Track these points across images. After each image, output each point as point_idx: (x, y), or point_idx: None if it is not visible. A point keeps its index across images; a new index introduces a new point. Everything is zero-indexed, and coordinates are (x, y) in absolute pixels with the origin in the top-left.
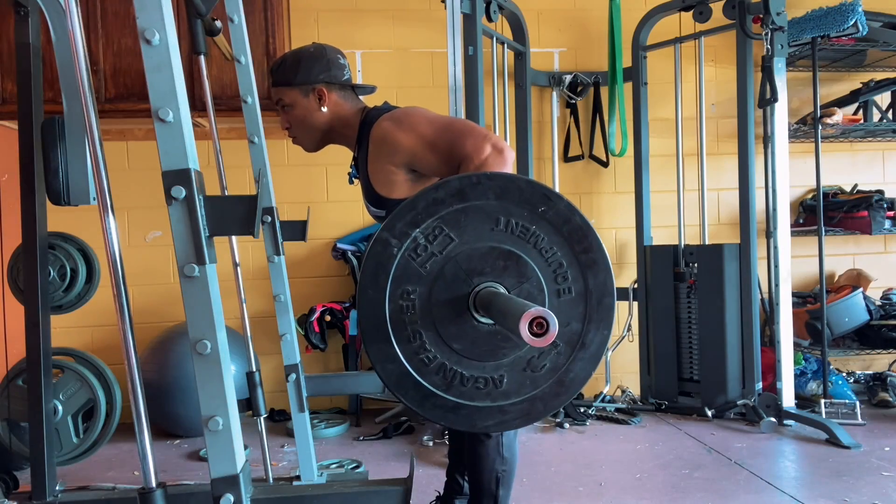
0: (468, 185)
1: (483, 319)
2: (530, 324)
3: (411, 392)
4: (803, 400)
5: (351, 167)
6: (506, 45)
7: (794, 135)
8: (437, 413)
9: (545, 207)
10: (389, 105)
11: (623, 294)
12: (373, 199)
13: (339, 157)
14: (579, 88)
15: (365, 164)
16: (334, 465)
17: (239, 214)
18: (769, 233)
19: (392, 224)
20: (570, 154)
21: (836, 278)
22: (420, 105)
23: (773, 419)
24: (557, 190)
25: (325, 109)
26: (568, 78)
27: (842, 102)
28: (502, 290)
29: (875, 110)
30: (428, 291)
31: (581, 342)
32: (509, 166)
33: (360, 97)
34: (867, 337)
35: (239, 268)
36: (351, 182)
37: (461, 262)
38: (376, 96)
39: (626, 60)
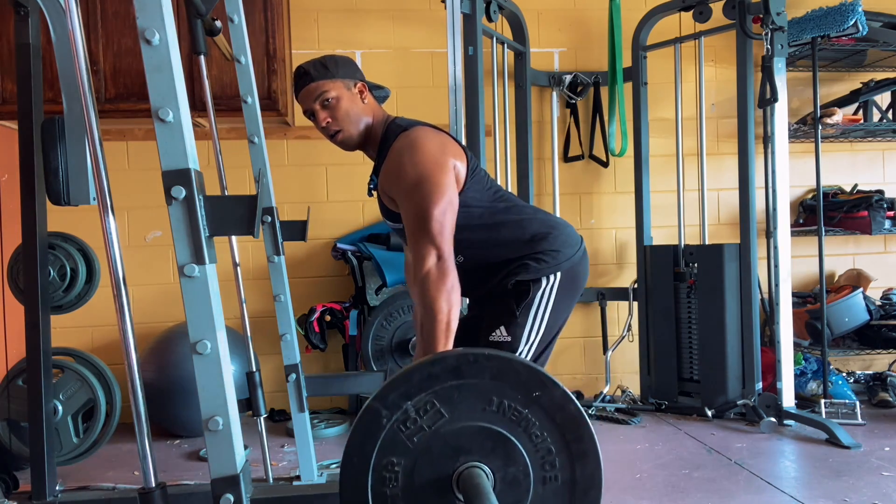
0: (465, 362)
1: (463, 501)
2: None
3: None
4: (803, 400)
5: (371, 178)
6: (506, 45)
7: (794, 135)
8: None
9: (540, 393)
10: (406, 121)
11: (623, 294)
12: (387, 213)
13: (340, 157)
14: (579, 88)
15: (377, 178)
16: (334, 465)
17: (239, 214)
18: (769, 233)
19: (385, 394)
20: (570, 154)
21: (836, 278)
22: (420, 105)
23: (773, 419)
24: (557, 189)
25: (366, 103)
26: (568, 78)
27: (842, 102)
28: (487, 471)
29: (875, 110)
30: (412, 465)
31: None
32: (443, 291)
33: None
34: (867, 337)
35: (239, 268)
36: (370, 194)
37: (449, 439)
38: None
39: (626, 60)
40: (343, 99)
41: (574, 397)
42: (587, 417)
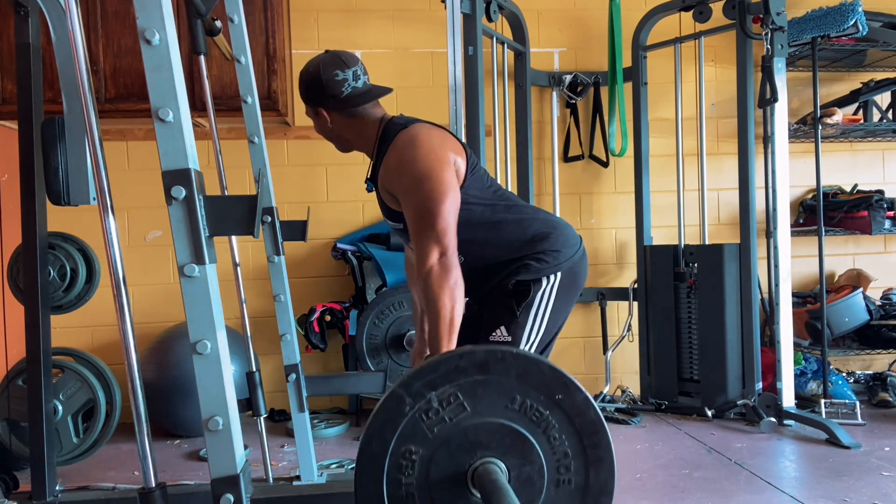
0: (492, 359)
1: (477, 495)
2: None
3: None
4: (803, 400)
5: (367, 181)
6: (506, 45)
7: (794, 135)
8: None
9: (563, 396)
10: (405, 118)
11: (623, 294)
12: (388, 212)
13: (340, 157)
14: (579, 88)
15: (377, 177)
16: (334, 465)
17: (239, 214)
18: (769, 233)
19: (410, 382)
20: (570, 154)
21: (836, 278)
22: (420, 105)
23: (773, 419)
24: (557, 189)
25: (333, 126)
26: (568, 78)
27: (842, 102)
28: (503, 468)
29: (875, 110)
30: (430, 455)
31: None
32: (446, 289)
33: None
34: (867, 337)
35: (239, 268)
36: (369, 190)
37: (469, 432)
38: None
39: (626, 60)
40: (317, 121)
41: (595, 404)
42: (606, 425)
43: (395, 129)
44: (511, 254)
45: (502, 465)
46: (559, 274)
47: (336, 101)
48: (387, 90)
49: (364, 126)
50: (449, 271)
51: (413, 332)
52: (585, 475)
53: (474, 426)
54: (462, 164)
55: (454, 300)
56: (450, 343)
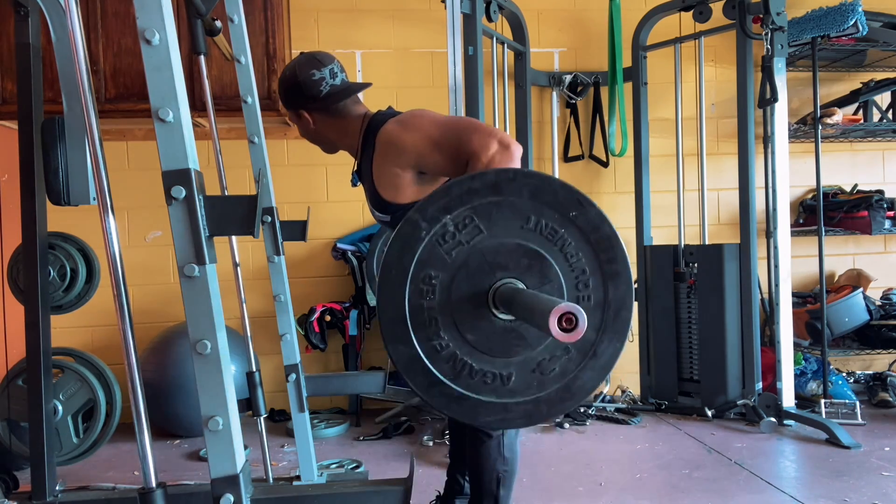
0: (504, 179)
1: (500, 315)
2: (559, 319)
3: (419, 377)
4: (803, 400)
5: (353, 174)
6: (506, 45)
7: (794, 135)
8: (442, 401)
9: (577, 212)
10: (393, 110)
11: None
12: (378, 203)
13: (340, 157)
14: (579, 88)
15: (370, 169)
16: (334, 465)
17: (239, 214)
18: (769, 233)
19: (424, 207)
20: (570, 154)
21: (836, 278)
22: (420, 105)
23: (773, 419)
24: None
25: (315, 126)
26: (568, 78)
27: (842, 102)
28: (522, 288)
29: (875, 110)
30: (450, 279)
31: (593, 351)
32: (516, 162)
33: (361, 99)
34: (867, 337)
35: (239, 268)
36: (354, 184)
37: (487, 254)
38: (378, 97)
39: (626, 60)
40: (300, 124)
41: (609, 219)
42: (621, 239)
43: (383, 118)
44: None
45: (522, 285)
46: None
47: (315, 101)
48: (365, 84)
49: (347, 123)
50: (514, 152)
51: None
52: (604, 290)
53: (492, 248)
54: None
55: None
56: None
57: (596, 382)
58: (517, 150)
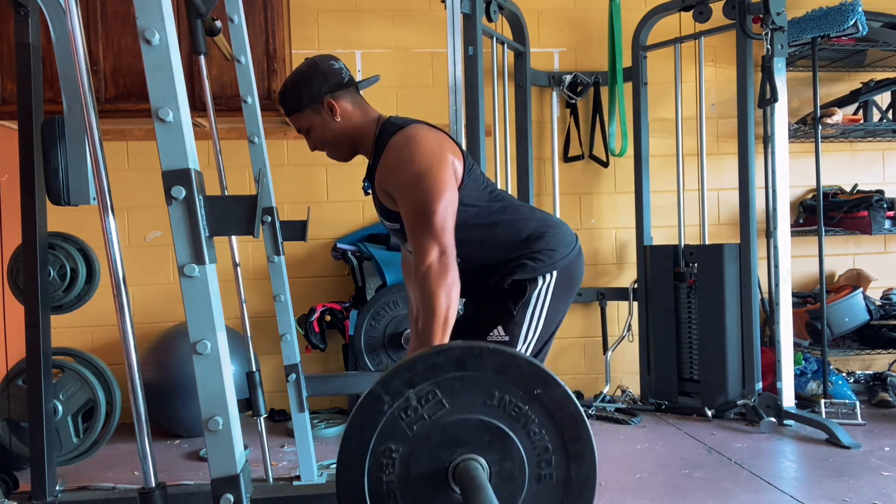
0: (469, 355)
1: (458, 492)
2: None
3: None
4: (803, 400)
5: (364, 182)
6: (506, 45)
7: (794, 135)
8: None
9: (541, 390)
10: (403, 119)
11: (623, 294)
12: (384, 212)
13: None
14: (579, 88)
15: (374, 178)
16: (334, 465)
17: (239, 214)
18: (769, 233)
19: (388, 380)
20: (570, 154)
21: (836, 278)
22: (420, 105)
23: (773, 419)
24: (557, 189)
25: (339, 119)
26: (568, 78)
27: (842, 102)
28: (483, 464)
29: (875, 110)
30: (410, 453)
31: None
32: (446, 286)
33: (370, 104)
34: (867, 337)
35: (239, 268)
36: (366, 193)
37: (448, 429)
38: (378, 97)
39: (626, 60)
40: (315, 126)
41: (574, 397)
42: (586, 418)
43: (391, 128)
44: (507, 254)
45: (483, 462)
46: (555, 273)
47: (340, 86)
48: (374, 78)
49: (365, 120)
50: (447, 270)
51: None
52: (567, 469)
53: (454, 423)
54: (459, 166)
55: (450, 300)
56: (442, 341)
57: None
58: (450, 276)
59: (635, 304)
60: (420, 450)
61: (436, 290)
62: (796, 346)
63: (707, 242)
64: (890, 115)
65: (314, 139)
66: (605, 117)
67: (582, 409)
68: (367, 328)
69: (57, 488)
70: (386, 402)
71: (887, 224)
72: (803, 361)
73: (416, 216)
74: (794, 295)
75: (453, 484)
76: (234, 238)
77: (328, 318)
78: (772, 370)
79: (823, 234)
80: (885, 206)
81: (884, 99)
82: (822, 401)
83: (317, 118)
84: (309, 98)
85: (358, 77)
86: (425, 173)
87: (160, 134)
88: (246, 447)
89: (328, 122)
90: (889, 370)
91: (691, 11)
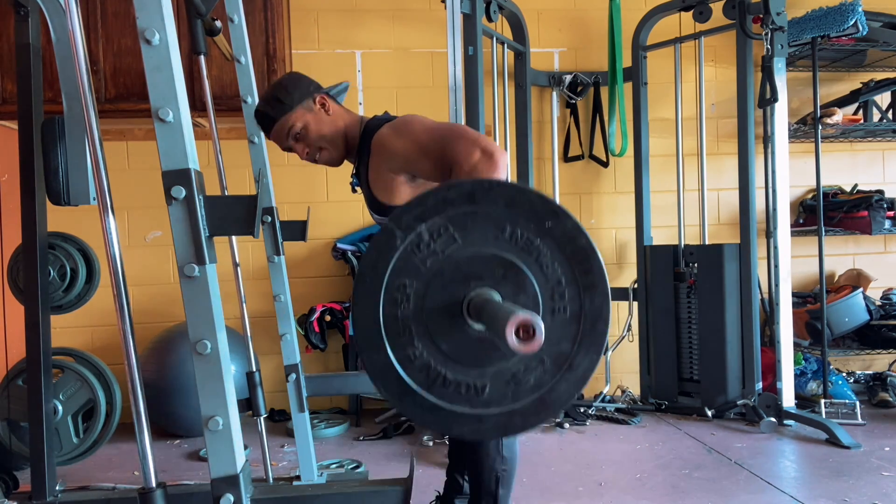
0: (480, 189)
1: (474, 325)
2: (517, 329)
3: (393, 385)
4: (803, 400)
5: (352, 177)
6: (506, 45)
7: (794, 135)
8: (415, 411)
9: (552, 223)
10: (389, 114)
11: (623, 294)
12: (375, 206)
13: None
14: (579, 88)
15: (366, 173)
16: (334, 465)
17: (239, 214)
18: (769, 233)
19: (400, 216)
20: (570, 154)
21: (836, 278)
22: (420, 105)
23: (773, 419)
24: (557, 189)
25: (332, 113)
26: (568, 78)
27: (842, 102)
28: (497, 297)
29: (875, 110)
30: (424, 288)
31: (569, 364)
32: (500, 170)
33: (369, 104)
34: (867, 337)
35: (239, 268)
36: (354, 190)
37: (461, 264)
38: (378, 97)
39: (626, 60)
40: (310, 124)
41: (585, 230)
42: (597, 250)
43: (378, 122)
44: None
45: (496, 295)
46: None
47: (321, 89)
48: (345, 84)
49: (351, 123)
50: (497, 160)
51: None
52: (580, 302)
53: (466, 258)
54: None
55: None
56: None
57: (571, 395)
58: (501, 157)
59: (635, 304)
60: (434, 284)
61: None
62: (796, 346)
63: (707, 242)
64: (890, 115)
65: (310, 138)
66: (605, 117)
67: (593, 242)
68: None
69: (57, 488)
70: (399, 238)
71: (887, 224)
72: (803, 361)
73: (440, 142)
74: (794, 295)
75: (468, 317)
76: (234, 238)
77: (328, 318)
78: (772, 370)
79: (823, 234)
80: (885, 206)
81: (884, 99)
82: (822, 401)
83: (310, 115)
84: (300, 96)
85: (358, 79)
86: (431, 124)
87: (160, 134)
88: (246, 447)
89: (322, 118)
90: (889, 370)
91: (691, 11)
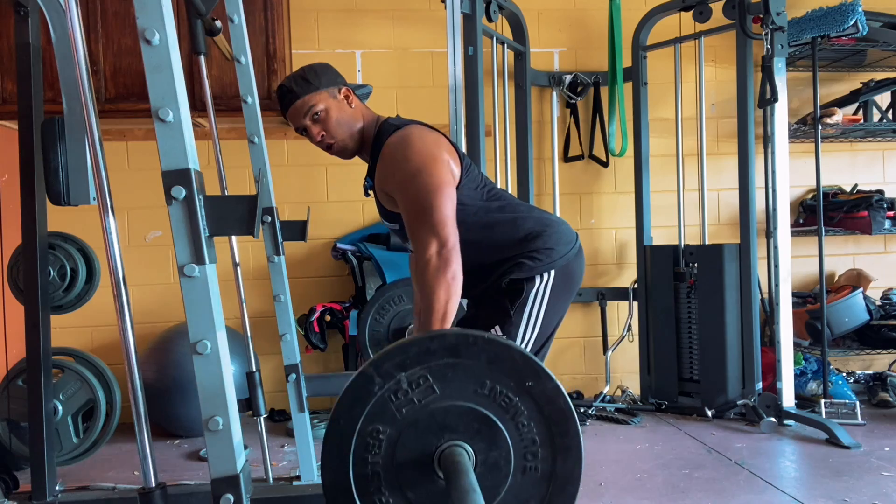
0: (463, 343)
1: (442, 477)
2: None
3: None
4: (803, 400)
5: (366, 179)
6: (506, 45)
7: (794, 135)
8: None
9: (533, 383)
10: (400, 120)
11: (623, 294)
12: (384, 213)
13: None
14: (579, 88)
15: (373, 179)
16: None
17: (239, 214)
18: (769, 233)
19: (380, 362)
20: (570, 154)
21: (836, 278)
22: (420, 105)
23: (773, 419)
24: (557, 189)
25: (354, 107)
26: (568, 78)
27: (842, 102)
28: (469, 452)
29: (875, 110)
30: (397, 435)
31: None
32: (448, 269)
33: (371, 103)
34: (867, 337)
35: (239, 268)
36: (367, 194)
37: (437, 414)
38: (378, 97)
39: (626, 60)
40: (332, 109)
41: (565, 392)
42: (575, 413)
43: (389, 129)
44: (505, 253)
45: (469, 449)
46: (553, 272)
47: (349, 85)
48: (368, 88)
49: (370, 121)
50: (447, 264)
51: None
52: (552, 463)
53: (443, 409)
54: (455, 166)
55: (449, 294)
56: None
57: None
58: (453, 268)
59: (635, 304)
60: (407, 433)
61: (434, 285)
62: (796, 346)
63: (707, 242)
64: (890, 115)
65: (328, 124)
66: (605, 117)
67: (572, 405)
68: (372, 323)
69: (57, 488)
70: (377, 384)
71: (887, 224)
72: (803, 361)
73: (415, 212)
74: (794, 295)
75: (438, 469)
76: (234, 238)
77: (328, 318)
78: (772, 370)
79: (823, 234)
80: (885, 206)
81: (884, 99)
82: (822, 401)
83: (333, 101)
84: (328, 81)
85: (358, 79)
86: (421, 170)
87: (160, 134)
88: (246, 447)
89: (344, 107)
90: (889, 370)
91: (691, 11)
